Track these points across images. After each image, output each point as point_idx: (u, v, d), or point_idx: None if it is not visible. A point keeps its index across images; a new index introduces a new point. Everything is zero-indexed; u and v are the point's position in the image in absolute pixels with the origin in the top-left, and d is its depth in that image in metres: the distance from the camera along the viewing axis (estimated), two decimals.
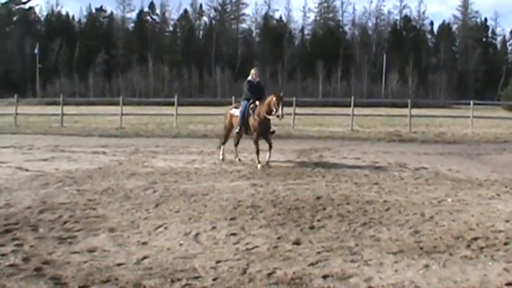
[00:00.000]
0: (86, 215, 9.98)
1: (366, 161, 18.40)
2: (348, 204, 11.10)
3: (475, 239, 8.47)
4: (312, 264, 7.18)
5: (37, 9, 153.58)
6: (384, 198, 11.75)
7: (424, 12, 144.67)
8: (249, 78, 17.72)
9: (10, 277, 6.60)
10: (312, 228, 9.13)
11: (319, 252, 7.69)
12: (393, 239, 8.45)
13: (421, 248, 7.92)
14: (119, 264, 7.12)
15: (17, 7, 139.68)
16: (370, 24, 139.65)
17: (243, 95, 17.66)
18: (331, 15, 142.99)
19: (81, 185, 13.21)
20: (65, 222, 9.40)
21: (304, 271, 6.89)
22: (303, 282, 6.51)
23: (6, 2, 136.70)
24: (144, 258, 7.40)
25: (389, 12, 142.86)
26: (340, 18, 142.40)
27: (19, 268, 6.93)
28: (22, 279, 6.53)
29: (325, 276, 6.72)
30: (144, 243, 8.17)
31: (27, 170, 15.69)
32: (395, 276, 6.77)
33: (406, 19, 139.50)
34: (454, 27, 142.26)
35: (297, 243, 8.19)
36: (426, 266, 7.15)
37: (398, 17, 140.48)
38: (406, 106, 35.06)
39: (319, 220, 9.68)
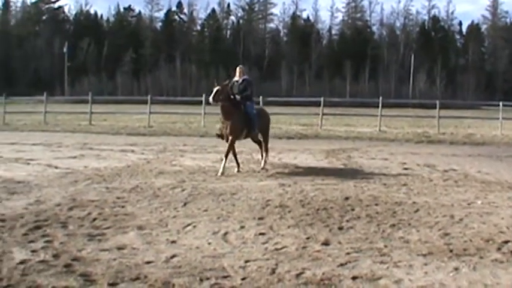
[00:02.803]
0: (114, 213, 10.02)
1: (394, 162, 18.29)
2: (376, 205, 11.02)
3: (506, 242, 8.34)
4: (341, 265, 7.12)
5: (66, 9, 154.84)
6: (413, 199, 11.65)
7: (452, 13, 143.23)
8: (235, 78, 16.24)
9: (40, 273, 6.62)
10: (340, 228, 9.07)
11: (348, 253, 7.63)
12: (423, 240, 8.37)
13: (451, 251, 7.82)
14: (148, 262, 7.12)
15: (46, 6, 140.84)
16: (398, 24, 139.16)
17: None
18: (359, 15, 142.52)
19: (110, 182, 13.28)
20: (94, 220, 9.45)
21: (334, 272, 6.84)
22: (332, 283, 6.46)
23: (35, 2, 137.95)
24: (173, 256, 7.39)
25: (417, 12, 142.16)
26: (368, 18, 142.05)
27: (49, 264, 6.96)
28: (52, 276, 6.55)
29: (354, 278, 6.66)
30: (173, 241, 8.18)
31: (56, 168, 15.80)
32: (425, 278, 6.70)
33: (435, 19, 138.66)
34: (483, 27, 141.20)
35: (325, 243, 8.13)
36: (456, 269, 7.05)
37: (426, 17, 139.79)
38: (434, 107, 34.83)
39: (347, 221, 9.62)
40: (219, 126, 16.07)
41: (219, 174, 14.76)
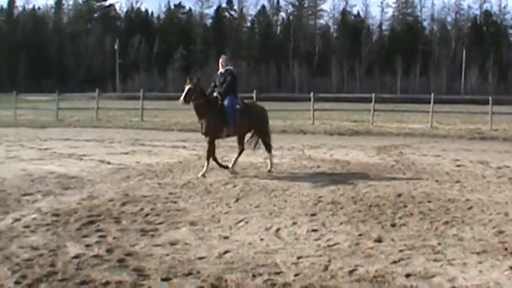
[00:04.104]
0: (167, 208, 10.10)
1: (446, 158, 18.07)
2: (429, 202, 10.90)
3: None
4: (394, 262, 7.07)
5: (117, 6, 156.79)
6: (466, 196, 11.48)
7: (505, 7, 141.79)
8: (219, 70, 14.81)
9: (94, 267, 6.71)
10: (393, 225, 9.00)
11: (401, 251, 7.57)
12: (476, 238, 8.26)
13: (506, 249, 7.69)
14: (201, 258, 7.16)
15: (97, 4, 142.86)
16: (449, 19, 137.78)
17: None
18: (409, 10, 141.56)
19: (162, 178, 13.37)
20: (147, 215, 9.54)
21: (387, 269, 6.79)
22: (385, 281, 6.42)
23: (87, 0, 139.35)
24: (226, 252, 7.42)
25: (469, 7, 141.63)
26: (419, 14, 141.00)
27: (103, 259, 7.04)
28: (106, 270, 6.63)
29: (407, 275, 6.60)
30: (226, 237, 8.21)
31: (109, 163, 15.96)
32: (480, 277, 6.61)
33: (487, 14, 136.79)
34: None
35: (378, 240, 8.08)
36: (511, 268, 6.95)
37: (478, 12, 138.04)
38: (487, 103, 34.31)
39: (400, 218, 9.54)
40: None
41: (199, 175, 13.69)
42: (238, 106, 14.37)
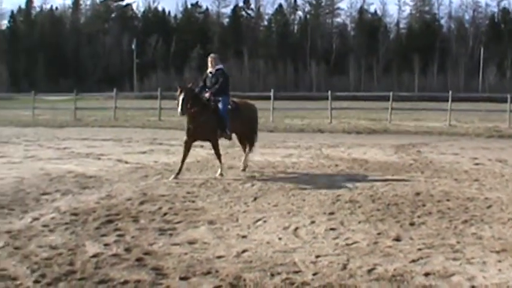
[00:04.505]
0: (185, 207, 10.10)
1: (465, 156, 18.02)
2: (448, 200, 10.85)
3: None
4: (413, 261, 7.04)
5: (134, 6, 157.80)
6: (485, 195, 11.43)
7: None
8: (208, 69, 14.25)
9: (113, 266, 6.72)
10: (412, 224, 8.96)
11: (420, 249, 7.53)
12: (496, 237, 8.20)
13: None
14: (219, 257, 7.15)
15: (115, 4, 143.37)
16: (467, 17, 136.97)
17: None
18: (427, 8, 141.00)
19: (180, 177, 13.35)
20: (165, 214, 9.55)
21: (406, 268, 6.76)
22: (404, 279, 6.39)
23: (104, 0, 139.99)
24: (244, 251, 7.41)
25: (486, 4, 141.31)
26: (436, 11, 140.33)
27: (121, 258, 7.05)
28: (124, 269, 6.64)
29: (426, 274, 6.56)
30: (244, 236, 8.20)
31: (126, 162, 16.02)
32: (499, 276, 6.56)
33: (505, 11, 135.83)
34: None
35: (397, 239, 8.04)
36: None
37: (496, 10, 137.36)
38: (505, 101, 34.13)
39: (419, 216, 9.50)
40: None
41: (217, 175, 13.56)
42: (229, 106, 14.03)
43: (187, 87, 13.30)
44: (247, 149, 14.97)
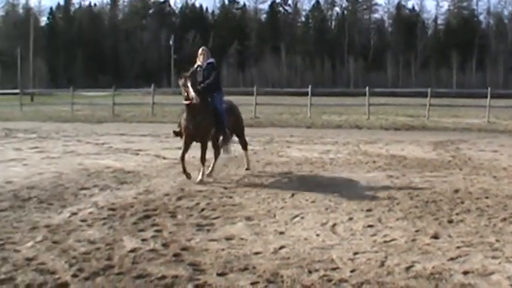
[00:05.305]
0: (222, 203, 10.11)
1: (504, 154, 17.76)
2: (487, 198, 10.70)
3: None
4: (451, 259, 6.94)
5: (172, 2, 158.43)
6: None
7: None
8: (197, 63, 13.32)
9: (150, 261, 6.73)
10: (450, 222, 8.85)
11: (458, 247, 7.43)
12: None
13: None
14: (256, 253, 7.12)
15: (152, 0, 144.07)
16: (506, 12, 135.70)
17: None
18: (465, 4, 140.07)
19: (218, 173, 13.35)
20: (203, 210, 9.54)
21: (444, 266, 6.67)
22: (442, 278, 6.30)
23: None
24: (281, 247, 7.37)
25: None
26: (475, 7, 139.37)
27: (159, 253, 7.06)
28: (162, 264, 6.64)
29: (465, 272, 6.47)
30: (281, 232, 8.16)
31: (164, 158, 16.11)
32: None
33: None
34: None
35: (435, 237, 7.94)
36: None
37: None
38: None
39: (457, 214, 9.37)
40: (180, 122, 13.03)
41: (197, 181, 12.25)
42: (224, 105, 13.32)
43: (189, 75, 12.47)
44: (245, 152, 14.38)
